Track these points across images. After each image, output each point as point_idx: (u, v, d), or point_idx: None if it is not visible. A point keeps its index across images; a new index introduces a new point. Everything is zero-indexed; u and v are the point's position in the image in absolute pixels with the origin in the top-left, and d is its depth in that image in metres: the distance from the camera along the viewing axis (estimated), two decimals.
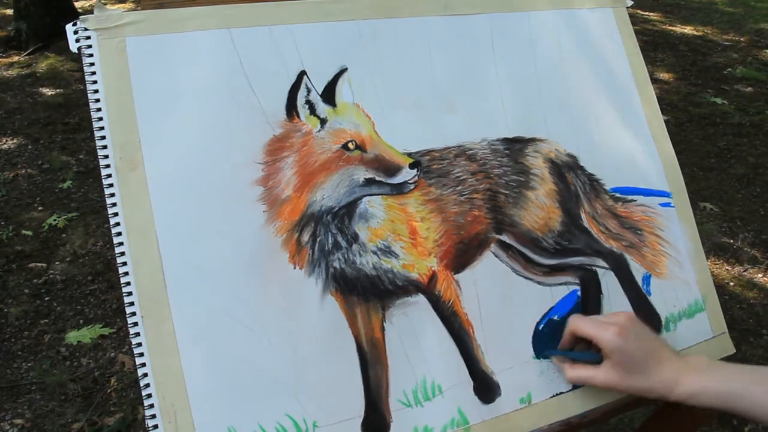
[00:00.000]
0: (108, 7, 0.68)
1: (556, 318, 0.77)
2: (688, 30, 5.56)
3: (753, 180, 3.19)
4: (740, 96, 4.18)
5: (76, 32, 0.67)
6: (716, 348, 0.85)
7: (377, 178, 0.72)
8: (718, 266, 2.52)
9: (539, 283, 0.78)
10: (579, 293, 0.80)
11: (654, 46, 5.03)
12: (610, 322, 0.70)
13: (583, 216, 0.83)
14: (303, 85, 0.72)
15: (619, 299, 0.81)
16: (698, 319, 0.85)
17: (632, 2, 0.93)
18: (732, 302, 2.37)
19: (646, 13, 6.02)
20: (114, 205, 0.64)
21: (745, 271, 2.53)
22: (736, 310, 2.33)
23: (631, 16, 0.93)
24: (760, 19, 5.93)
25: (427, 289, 0.73)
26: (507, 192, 0.79)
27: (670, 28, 5.60)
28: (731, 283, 2.45)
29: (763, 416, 0.63)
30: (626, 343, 0.68)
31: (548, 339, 0.77)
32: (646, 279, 0.83)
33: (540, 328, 0.77)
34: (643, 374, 0.68)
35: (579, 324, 0.72)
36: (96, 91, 0.66)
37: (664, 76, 4.45)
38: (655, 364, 0.68)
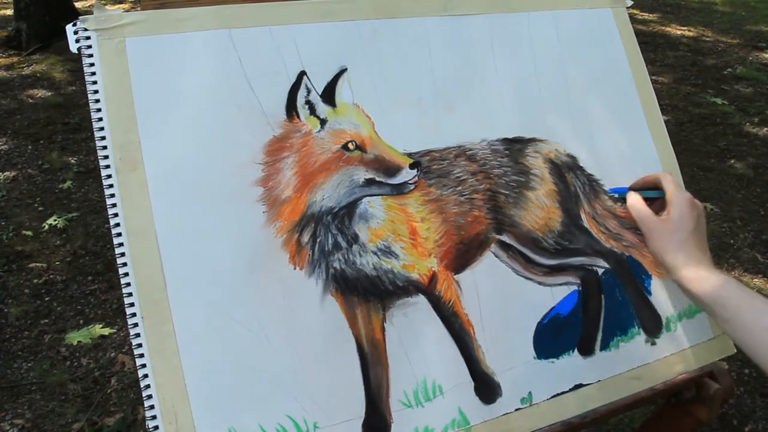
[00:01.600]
0: (106, 7, 0.68)
1: (556, 318, 0.77)
2: (688, 30, 5.56)
3: (753, 180, 3.19)
4: (740, 96, 4.18)
5: (76, 32, 0.67)
6: (716, 348, 0.85)
7: (377, 179, 0.72)
8: (718, 266, 2.52)
9: (540, 283, 0.78)
10: (579, 293, 0.80)
11: (654, 47, 5.03)
12: (687, 193, 0.78)
13: (583, 216, 0.82)
14: (303, 86, 0.72)
15: (619, 299, 0.81)
16: (698, 319, 0.85)
17: (632, 2, 0.93)
18: None
19: (646, 14, 6.02)
20: (114, 205, 0.64)
21: (745, 271, 2.53)
22: None
23: (630, 16, 0.93)
24: (760, 20, 5.93)
25: (428, 289, 0.73)
26: (507, 192, 0.79)
27: (670, 28, 5.60)
28: None
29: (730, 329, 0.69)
30: (691, 211, 0.76)
31: (549, 339, 0.77)
32: (647, 279, 0.83)
33: (541, 328, 0.77)
34: (680, 241, 0.74)
35: (666, 177, 0.80)
36: (96, 92, 0.66)
37: (664, 76, 4.45)
38: (695, 243, 0.74)
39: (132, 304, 0.62)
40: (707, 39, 5.34)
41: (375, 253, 0.71)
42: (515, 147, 0.81)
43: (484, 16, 0.83)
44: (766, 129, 3.72)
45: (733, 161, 3.37)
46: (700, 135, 3.64)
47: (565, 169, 0.83)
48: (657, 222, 0.77)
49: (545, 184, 0.81)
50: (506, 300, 0.76)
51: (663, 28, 5.60)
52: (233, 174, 0.68)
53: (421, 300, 0.72)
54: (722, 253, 2.63)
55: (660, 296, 0.83)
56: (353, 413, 0.67)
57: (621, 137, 0.87)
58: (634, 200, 0.81)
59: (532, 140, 0.82)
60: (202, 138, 0.68)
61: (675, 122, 3.76)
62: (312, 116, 0.72)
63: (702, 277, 0.72)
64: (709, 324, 0.86)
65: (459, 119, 0.79)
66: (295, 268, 0.68)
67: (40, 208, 2.81)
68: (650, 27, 5.59)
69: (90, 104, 0.66)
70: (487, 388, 0.73)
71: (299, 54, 0.73)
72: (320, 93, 0.73)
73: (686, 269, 0.73)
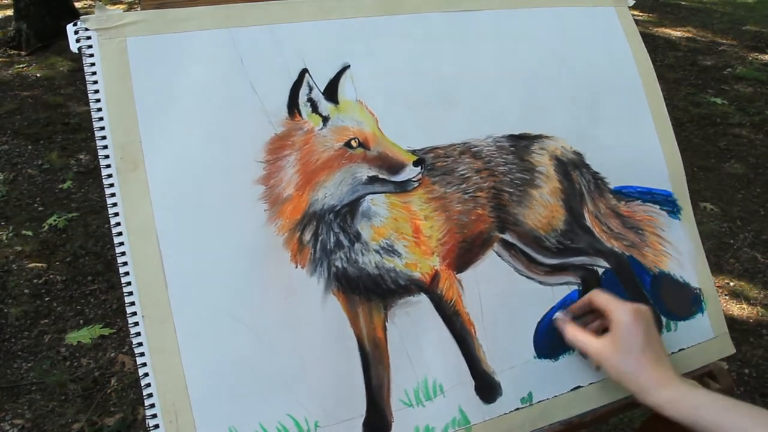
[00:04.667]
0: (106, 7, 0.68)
1: (549, 319, 0.77)
2: (687, 31, 5.56)
3: (753, 180, 3.19)
4: (740, 96, 4.18)
5: (76, 32, 0.67)
6: (716, 348, 0.85)
7: (380, 176, 0.72)
8: (718, 266, 2.52)
9: (541, 282, 0.78)
10: (580, 293, 0.79)
11: (654, 47, 5.03)
12: (626, 304, 0.71)
13: (586, 215, 0.82)
14: (305, 83, 0.71)
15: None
16: (698, 319, 0.85)
17: (633, 1, 0.93)
18: (732, 302, 2.37)
19: (646, 14, 6.02)
20: (114, 205, 0.64)
21: (745, 271, 2.53)
22: (736, 310, 2.33)
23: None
24: (760, 20, 5.93)
25: (430, 288, 0.72)
26: (511, 190, 0.79)
27: (670, 28, 5.60)
28: (731, 283, 2.45)
29: None
30: (637, 324, 0.69)
31: (550, 339, 0.77)
32: (656, 278, 0.83)
33: (541, 327, 0.77)
34: (636, 362, 0.68)
35: (599, 295, 0.74)
36: (97, 91, 0.66)
37: (664, 76, 4.45)
38: (652, 359, 0.68)
39: (132, 304, 0.62)
40: (707, 39, 5.34)
41: (377, 252, 0.71)
42: (521, 144, 0.81)
43: (488, 12, 0.83)
44: (766, 129, 3.72)
45: (733, 161, 3.37)
46: (700, 135, 3.64)
47: (571, 167, 0.83)
48: (605, 349, 0.70)
49: (550, 182, 0.81)
50: (507, 299, 0.76)
51: (663, 28, 5.61)
52: (234, 172, 0.67)
53: (422, 299, 0.72)
54: (722, 253, 2.63)
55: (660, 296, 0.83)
56: (354, 412, 0.67)
57: (626, 135, 0.87)
58: (574, 332, 0.74)
59: (539, 137, 0.82)
60: (203, 137, 0.68)
61: (675, 122, 3.74)
62: (314, 114, 0.72)
63: (673, 398, 0.65)
64: (710, 324, 0.86)
65: (463, 116, 0.78)
66: (296, 267, 0.68)
67: (40, 208, 2.81)
68: (650, 27, 5.59)
69: (91, 104, 0.65)
70: (487, 388, 0.73)
71: (301, 52, 0.72)
72: (322, 90, 0.72)
73: (654, 393, 0.66)
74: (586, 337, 0.72)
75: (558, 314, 0.77)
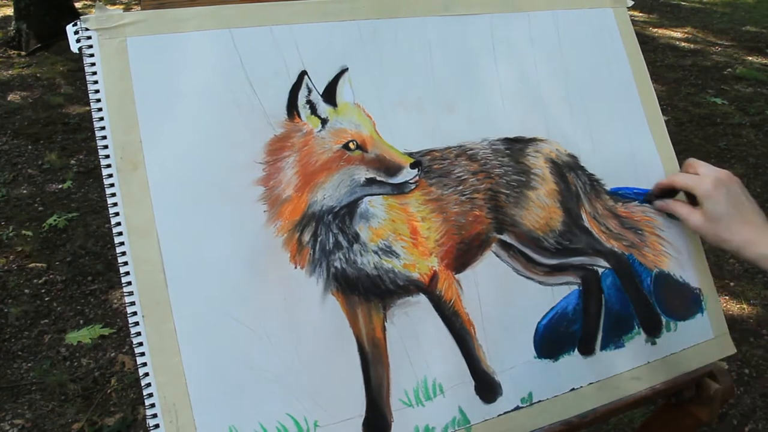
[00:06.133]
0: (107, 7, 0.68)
1: (556, 318, 0.77)
2: (687, 30, 5.56)
3: (753, 180, 3.19)
4: (740, 96, 4.18)
5: (76, 32, 0.67)
6: (716, 348, 0.85)
7: (378, 178, 0.72)
8: (718, 266, 2.52)
9: (540, 282, 0.78)
10: (580, 293, 0.80)
11: (654, 47, 5.03)
12: (708, 174, 0.77)
13: (584, 216, 0.83)
14: (304, 85, 0.72)
15: (619, 299, 0.81)
16: (698, 320, 0.85)
17: (632, 2, 0.93)
18: (732, 302, 2.37)
19: (645, 15, 6.02)
20: (115, 204, 0.64)
21: (745, 271, 2.53)
22: (736, 310, 2.33)
23: (630, 17, 0.93)
24: (760, 20, 5.93)
25: (428, 288, 0.73)
26: (508, 192, 0.79)
27: (670, 29, 5.60)
28: (731, 283, 2.46)
29: None
30: (719, 194, 0.75)
31: (549, 339, 0.77)
32: (656, 278, 0.83)
33: (541, 328, 0.77)
34: (725, 225, 0.74)
35: (679, 177, 0.80)
36: (97, 91, 0.66)
37: (664, 76, 4.45)
38: (739, 220, 0.74)
39: (133, 303, 0.63)
40: (707, 39, 5.34)
41: (376, 253, 0.71)
42: (516, 146, 0.81)
43: (484, 16, 0.83)
44: (766, 129, 3.73)
45: (733, 161, 3.37)
46: (700, 135, 3.64)
47: (566, 169, 0.83)
48: (697, 221, 0.77)
49: (546, 184, 0.81)
50: (507, 299, 0.76)
51: (662, 28, 5.61)
52: (234, 173, 0.68)
53: (421, 299, 0.72)
54: (722, 253, 2.63)
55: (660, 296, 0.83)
56: (354, 412, 0.68)
57: (622, 137, 0.87)
58: (675, 207, 0.81)
59: (533, 140, 0.82)
60: (203, 137, 0.68)
61: (675, 122, 3.76)
62: (313, 116, 0.72)
63: (764, 255, 0.72)
64: (710, 324, 0.86)
65: (460, 119, 0.79)
66: (295, 268, 0.68)
67: (40, 208, 2.81)
68: (650, 28, 5.59)
69: (91, 104, 0.66)
70: (487, 388, 0.73)
71: (300, 54, 0.73)
72: (321, 93, 0.73)
73: (748, 250, 0.73)
74: (683, 210, 0.79)
75: (657, 202, 0.83)
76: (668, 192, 0.84)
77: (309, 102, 0.72)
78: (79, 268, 2.46)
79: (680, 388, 0.83)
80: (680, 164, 0.89)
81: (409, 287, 0.72)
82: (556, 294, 0.79)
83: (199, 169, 0.67)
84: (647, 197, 0.85)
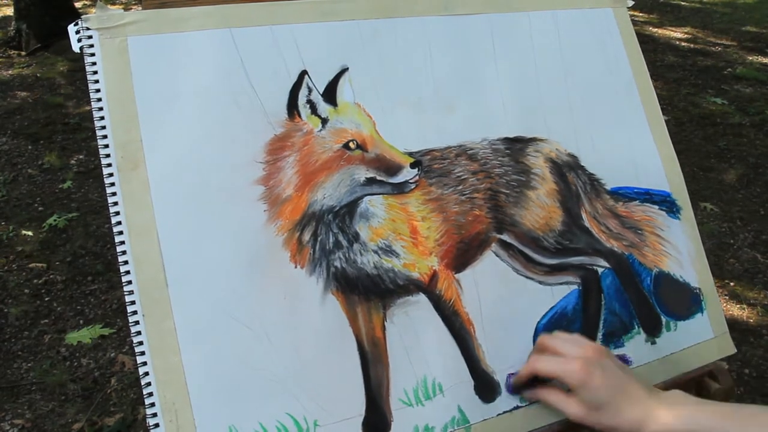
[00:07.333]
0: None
1: (556, 317, 0.78)
2: (687, 30, 5.57)
3: (753, 180, 3.19)
4: (740, 96, 4.18)
5: (77, 32, 0.67)
6: (716, 348, 0.85)
7: (378, 178, 0.72)
8: (718, 266, 2.52)
9: (540, 282, 0.78)
10: (580, 293, 0.80)
11: (654, 47, 5.03)
12: (574, 356, 0.66)
13: (583, 215, 0.83)
14: (304, 85, 0.72)
15: (619, 299, 0.82)
16: (698, 319, 0.85)
17: (633, 2, 0.94)
18: (732, 302, 2.37)
19: (645, 15, 6.02)
20: (115, 204, 0.64)
21: (745, 271, 2.53)
22: (736, 310, 2.33)
23: (630, 17, 0.93)
24: (760, 20, 5.93)
25: (428, 288, 0.73)
26: (508, 191, 0.79)
27: (670, 29, 5.60)
28: (731, 283, 2.46)
29: None
30: (591, 379, 0.64)
31: None
32: (656, 277, 0.83)
33: (541, 327, 0.77)
34: (610, 411, 0.64)
35: (540, 364, 0.68)
36: (98, 91, 0.66)
37: (664, 76, 4.45)
38: (624, 400, 0.64)
39: (133, 303, 0.63)
40: (707, 39, 5.35)
41: (376, 252, 0.71)
42: (516, 146, 0.81)
43: (484, 16, 0.83)
44: (766, 129, 3.73)
45: (733, 161, 3.37)
46: (700, 135, 3.64)
47: (566, 169, 0.83)
48: (578, 411, 0.66)
49: (546, 184, 0.81)
50: (507, 299, 0.76)
51: (662, 28, 5.61)
52: (234, 172, 0.68)
53: (421, 299, 0.72)
54: (722, 253, 2.64)
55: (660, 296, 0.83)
56: (353, 411, 0.68)
57: (622, 136, 0.87)
58: (542, 394, 0.70)
59: (533, 140, 0.82)
60: (204, 137, 0.68)
61: (675, 122, 3.76)
62: (313, 115, 0.72)
63: (662, 430, 0.63)
64: (710, 324, 0.86)
65: (460, 118, 0.79)
66: (295, 267, 0.68)
67: (40, 208, 2.81)
68: (650, 28, 5.59)
69: (92, 103, 0.66)
70: (487, 387, 0.73)
71: (300, 53, 0.73)
72: (321, 92, 0.73)
73: (646, 426, 0.63)
74: (559, 399, 0.68)
75: (525, 393, 0.72)
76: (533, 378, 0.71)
77: (309, 101, 0.72)
78: (79, 268, 2.46)
79: (680, 388, 0.83)
80: (680, 164, 0.90)
81: (409, 287, 0.72)
82: (555, 294, 0.79)
83: (200, 168, 0.67)
84: (513, 389, 0.73)
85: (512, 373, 0.74)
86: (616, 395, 0.64)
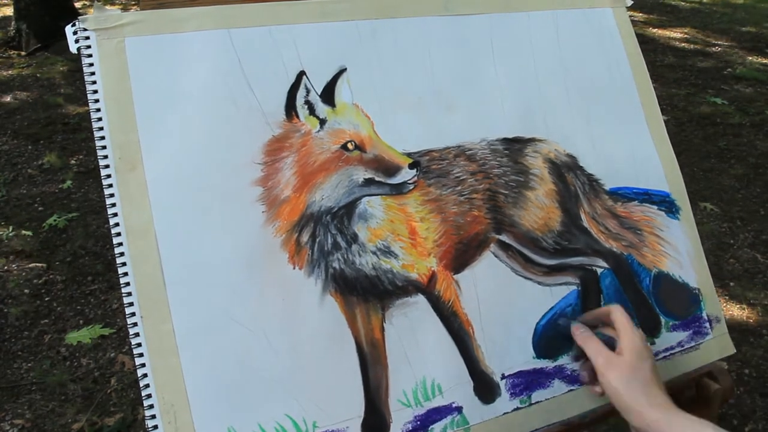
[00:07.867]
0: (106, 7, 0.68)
1: (556, 318, 0.77)
2: (687, 31, 5.56)
3: (753, 180, 3.19)
4: (740, 96, 4.18)
5: (75, 33, 0.67)
6: (716, 348, 0.85)
7: (376, 179, 0.72)
8: (718, 266, 2.52)
9: (539, 283, 0.78)
10: (579, 293, 0.80)
11: (654, 47, 5.03)
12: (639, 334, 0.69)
13: (582, 216, 0.82)
14: (302, 86, 0.72)
15: (618, 299, 0.81)
16: (698, 320, 0.85)
17: (632, 2, 0.93)
18: (732, 302, 2.36)
19: (646, 15, 6.02)
20: (113, 205, 0.64)
21: (745, 271, 2.53)
22: (736, 310, 2.33)
23: (630, 17, 0.93)
24: (760, 20, 5.93)
25: (427, 289, 0.73)
26: (506, 192, 0.79)
27: (670, 29, 5.60)
28: (731, 283, 2.45)
29: None
30: (648, 354, 0.67)
31: (548, 339, 0.77)
32: (655, 278, 0.83)
33: (540, 328, 0.77)
34: (641, 388, 0.65)
35: (619, 312, 0.70)
36: (95, 92, 0.66)
37: (663, 76, 4.45)
38: (655, 384, 0.66)
39: (131, 304, 0.62)
40: (707, 39, 5.34)
41: (374, 253, 0.71)
42: (515, 147, 0.81)
43: (484, 16, 0.83)
44: (766, 129, 3.72)
45: (733, 161, 3.36)
46: (700, 135, 3.64)
47: (565, 169, 0.83)
48: (615, 358, 0.67)
49: (545, 184, 0.81)
50: (506, 300, 0.76)
51: (662, 28, 5.60)
52: (232, 174, 0.68)
53: (420, 300, 0.72)
54: (722, 253, 2.63)
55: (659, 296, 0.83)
56: (353, 413, 0.67)
57: (621, 137, 0.87)
58: (585, 335, 0.71)
59: (532, 140, 0.82)
60: (202, 138, 0.68)
61: (675, 122, 3.76)
62: (311, 116, 0.72)
63: (674, 421, 0.62)
64: (709, 324, 0.86)
65: (458, 119, 0.79)
66: (294, 268, 0.68)
67: (40, 208, 2.81)
68: (650, 28, 5.59)
69: (90, 104, 0.66)
70: (486, 388, 0.73)
71: (298, 54, 0.73)
72: (319, 93, 0.73)
73: (653, 412, 0.63)
74: (599, 346, 0.69)
75: (572, 322, 0.73)
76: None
77: (307, 102, 0.72)
78: (79, 268, 2.46)
79: (680, 388, 0.83)
80: (680, 164, 0.89)
81: (408, 288, 0.72)
82: (555, 294, 0.79)
83: (198, 169, 0.67)
84: (574, 317, 0.75)
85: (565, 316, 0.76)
86: (653, 374, 0.66)
